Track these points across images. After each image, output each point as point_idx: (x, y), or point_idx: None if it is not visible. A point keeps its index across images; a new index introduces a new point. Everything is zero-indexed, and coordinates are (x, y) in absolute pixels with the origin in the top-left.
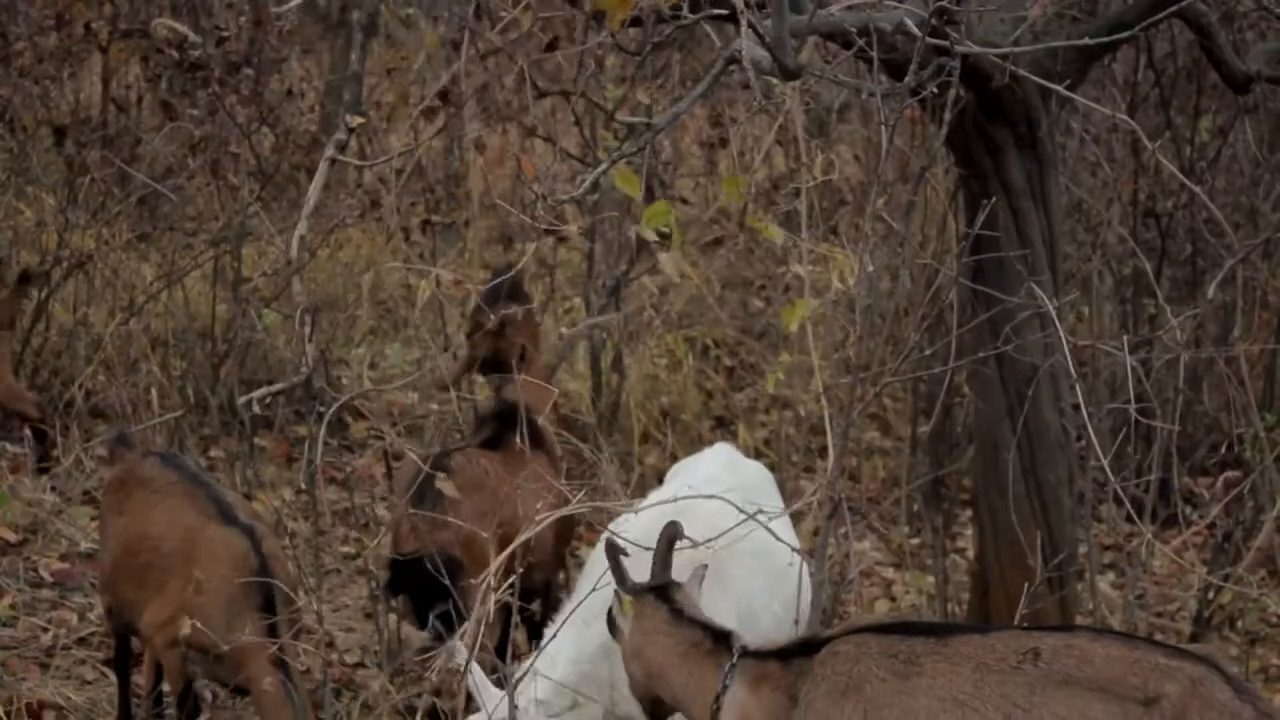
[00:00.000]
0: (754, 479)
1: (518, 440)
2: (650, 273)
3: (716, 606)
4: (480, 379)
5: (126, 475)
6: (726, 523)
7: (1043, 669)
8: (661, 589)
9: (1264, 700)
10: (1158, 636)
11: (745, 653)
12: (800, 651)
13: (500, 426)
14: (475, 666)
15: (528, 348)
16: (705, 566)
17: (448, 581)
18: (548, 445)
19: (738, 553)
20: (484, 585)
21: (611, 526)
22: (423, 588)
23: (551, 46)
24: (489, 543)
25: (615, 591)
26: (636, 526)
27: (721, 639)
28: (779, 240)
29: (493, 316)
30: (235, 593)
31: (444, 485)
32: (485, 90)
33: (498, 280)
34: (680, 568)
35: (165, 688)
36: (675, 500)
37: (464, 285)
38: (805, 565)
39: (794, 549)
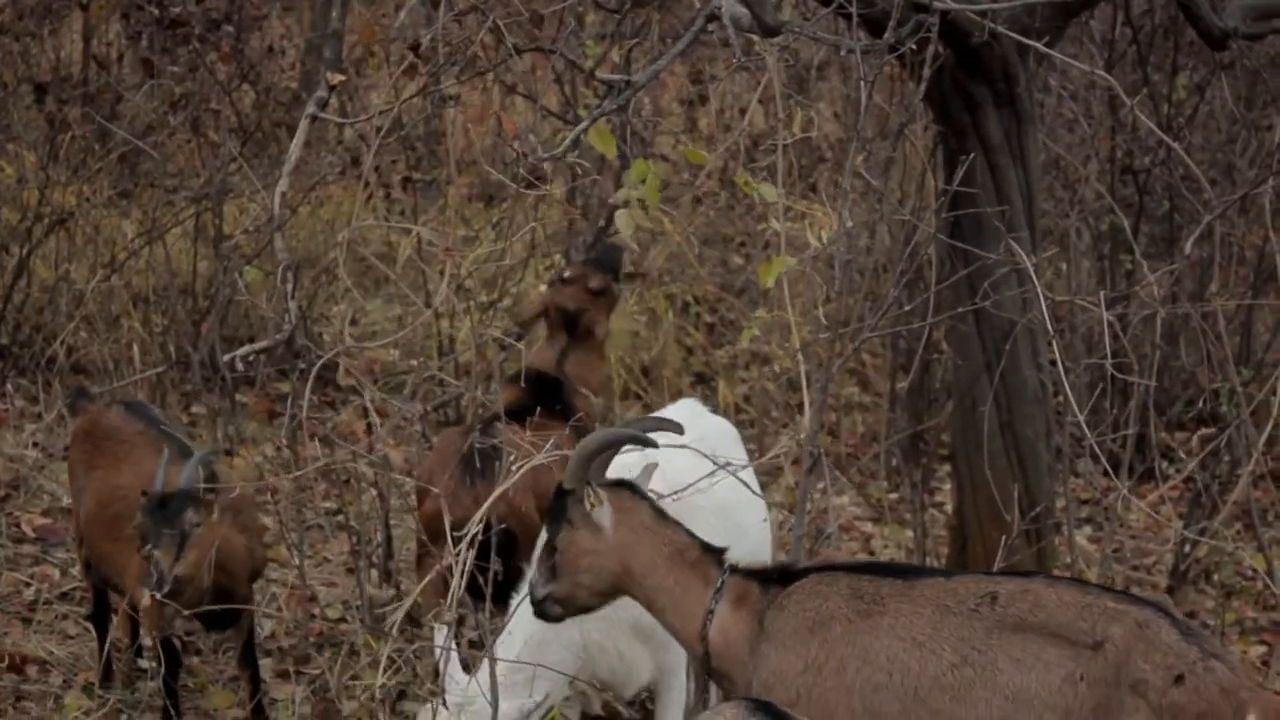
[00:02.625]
0: (716, 433)
1: (544, 411)
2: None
3: None
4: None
5: (92, 426)
6: (688, 476)
7: (999, 613)
8: (632, 485)
9: (1213, 642)
10: (1134, 590)
11: (734, 569)
12: (778, 579)
13: (530, 394)
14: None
15: (600, 323)
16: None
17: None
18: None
19: (697, 507)
20: (461, 552)
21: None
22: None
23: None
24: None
25: (573, 491)
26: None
27: (710, 551)
28: (770, 199)
29: (592, 278)
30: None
31: (508, 438)
32: (462, 46)
33: (610, 249)
34: None
35: (146, 642)
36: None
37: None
38: (768, 519)
39: (756, 494)
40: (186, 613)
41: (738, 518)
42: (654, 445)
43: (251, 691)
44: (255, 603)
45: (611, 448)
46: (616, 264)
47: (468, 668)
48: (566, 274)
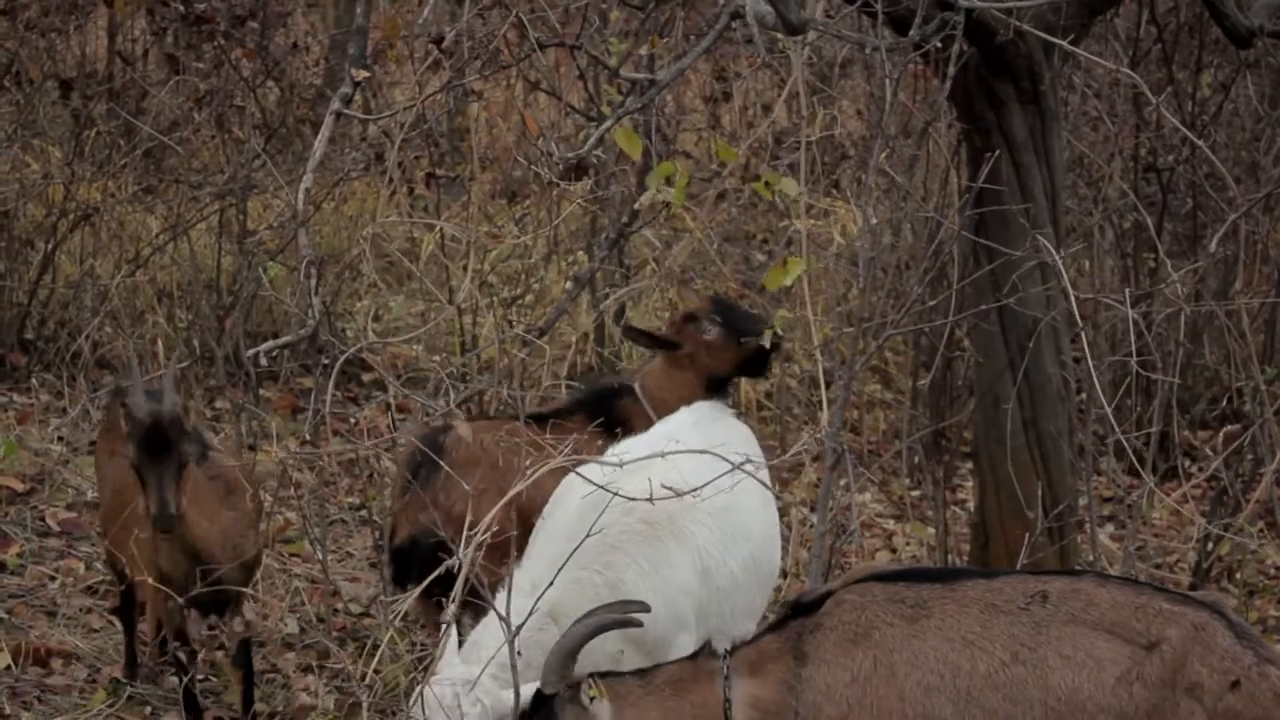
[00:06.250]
0: (730, 436)
1: (583, 417)
2: (651, 225)
3: (674, 558)
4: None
5: (116, 417)
6: (690, 477)
7: (1049, 610)
8: (611, 674)
9: (1266, 646)
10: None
11: (732, 649)
12: (795, 614)
13: (584, 401)
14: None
15: (696, 356)
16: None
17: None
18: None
19: (695, 509)
20: (473, 550)
21: (595, 473)
22: (423, 572)
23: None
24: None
25: (556, 695)
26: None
27: (698, 654)
28: (792, 194)
29: (707, 324)
30: None
31: (462, 427)
32: (486, 41)
33: (745, 315)
34: (640, 523)
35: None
36: (656, 455)
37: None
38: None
39: (769, 489)
40: (183, 602)
41: (739, 520)
42: (637, 624)
43: (244, 693)
44: (281, 599)
45: (589, 639)
46: (738, 317)
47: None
48: (694, 310)
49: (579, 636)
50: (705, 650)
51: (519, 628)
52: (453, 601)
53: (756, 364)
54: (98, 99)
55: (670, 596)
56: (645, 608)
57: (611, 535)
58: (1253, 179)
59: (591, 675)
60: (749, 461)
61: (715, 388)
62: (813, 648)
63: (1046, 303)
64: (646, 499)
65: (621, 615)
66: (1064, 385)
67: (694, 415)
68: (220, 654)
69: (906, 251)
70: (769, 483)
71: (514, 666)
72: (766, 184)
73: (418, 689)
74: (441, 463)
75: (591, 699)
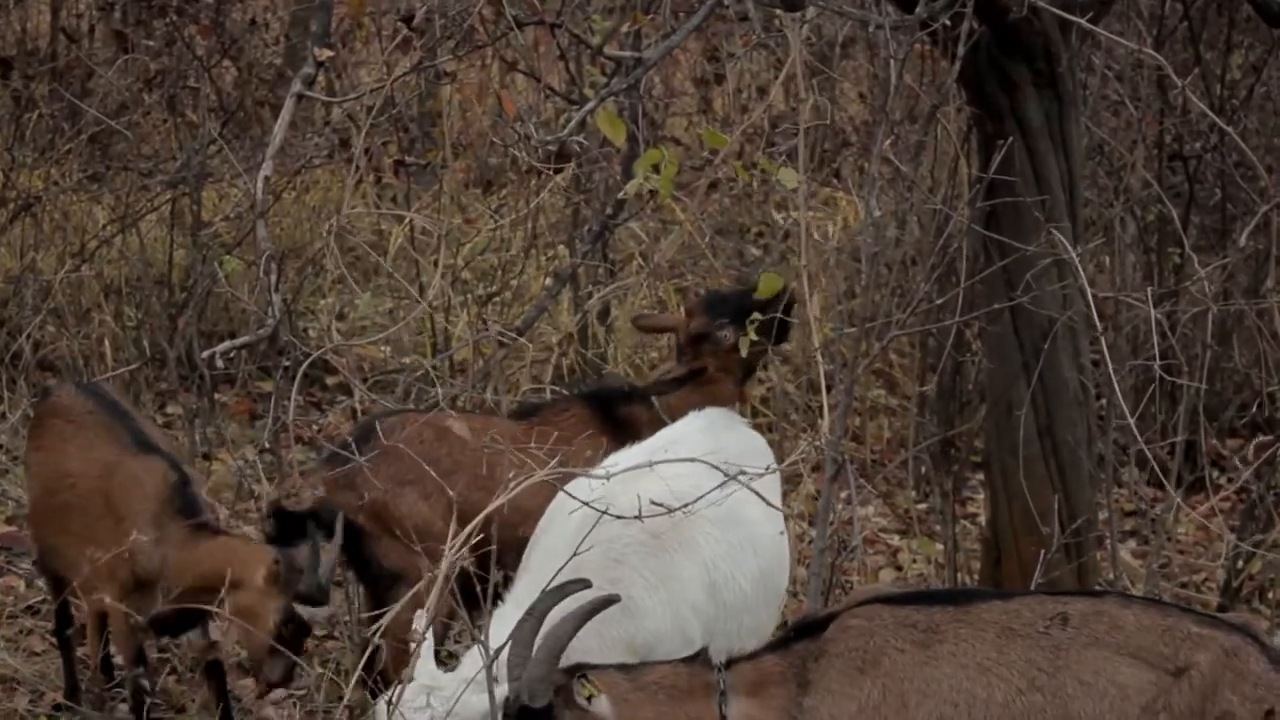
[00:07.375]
0: (737, 445)
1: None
2: (637, 218)
3: (683, 571)
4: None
5: (44, 409)
6: (687, 485)
7: (1070, 634)
8: (588, 666)
9: None
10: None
11: (730, 662)
12: (799, 635)
13: (583, 398)
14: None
15: (727, 364)
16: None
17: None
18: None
19: (702, 519)
20: (448, 552)
21: (579, 488)
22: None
23: None
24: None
25: (550, 707)
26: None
27: (690, 661)
28: (791, 184)
29: (718, 333)
30: (163, 518)
31: (457, 425)
32: (460, 18)
33: (739, 292)
34: (638, 532)
35: (118, 660)
36: (650, 464)
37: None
38: (785, 533)
39: (775, 507)
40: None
41: (747, 531)
42: (616, 599)
43: (217, 702)
44: None
45: (570, 639)
46: (739, 305)
47: (440, 662)
48: (688, 305)
49: (562, 639)
50: (700, 658)
51: (499, 649)
52: (427, 612)
53: (779, 331)
54: (40, 79)
55: (678, 612)
56: (588, 584)
57: (615, 549)
58: None
59: (579, 673)
60: (744, 472)
61: (749, 373)
62: (817, 676)
63: (1063, 301)
64: (636, 516)
65: (598, 600)
66: (1082, 390)
67: (703, 422)
68: (173, 679)
69: (913, 246)
70: (780, 495)
71: (491, 690)
72: (762, 171)
73: (387, 697)
74: (356, 457)
75: (589, 698)
